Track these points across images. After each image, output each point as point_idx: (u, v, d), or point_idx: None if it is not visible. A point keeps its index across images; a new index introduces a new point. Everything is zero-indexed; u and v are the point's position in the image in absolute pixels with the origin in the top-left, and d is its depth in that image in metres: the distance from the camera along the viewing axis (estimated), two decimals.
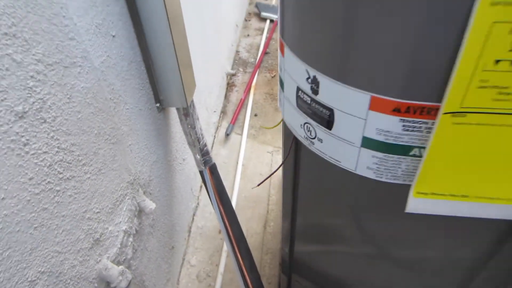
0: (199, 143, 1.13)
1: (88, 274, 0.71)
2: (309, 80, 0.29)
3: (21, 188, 0.53)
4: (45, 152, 0.57)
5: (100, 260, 0.75)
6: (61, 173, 0.62)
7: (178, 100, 1.02)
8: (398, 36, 0.25)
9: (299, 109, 0.34)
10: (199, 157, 1.14)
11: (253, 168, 1.67)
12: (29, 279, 0.56)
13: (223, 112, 1.96)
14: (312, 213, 0.69)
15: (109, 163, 0.77)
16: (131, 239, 0.87)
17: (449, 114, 0.26)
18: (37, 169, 0.56)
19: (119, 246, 0.81)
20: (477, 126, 0.26)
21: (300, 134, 0.35)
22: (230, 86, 2.11)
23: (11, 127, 0.50)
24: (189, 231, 1.44)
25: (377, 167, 0.32)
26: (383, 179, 0.33)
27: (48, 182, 0.59)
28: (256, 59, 2.31)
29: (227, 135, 1.80)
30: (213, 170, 1.17)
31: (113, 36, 0.76)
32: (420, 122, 0.28)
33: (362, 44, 0.27)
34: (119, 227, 0.82)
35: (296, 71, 0.31)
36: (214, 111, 1.80)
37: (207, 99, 1.66)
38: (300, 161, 0.47)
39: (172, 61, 0.94)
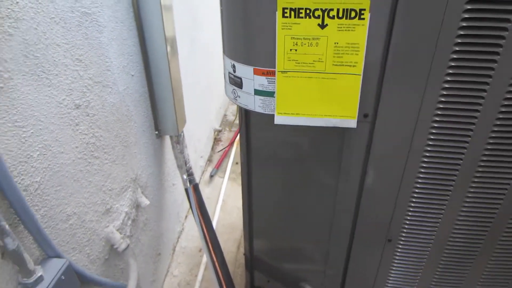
0: (186, 165, 1.45)
1: (99, 232, 1.00)
2: (232, 66, 0.65)
3: (71, 150, 0.86)
4: (85, 134, 0.91)
5: (108, 226, 1.04)
6: (92, 152, 0.94)
7: (172, 129, 1.38)
8: (261, 45, 0.61)
9: (229, 83, 0.69)
10: (185, 176, 1.46)
11: (231, 203, 1.97)
12: (67, 213, 0.86)
13: (209, 160, 2.31)
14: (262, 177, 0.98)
15: (120, 159, 1.10)
16: (129, 222, 1.16)
17: (280, 72, 0.61)
18: (80, 142, 0.89)
19: (121, 221, 1.10)
20: (292, 78, 0.61)
21: (231, 97, 0.70)
22: (216, 140, 2.48)
23: (72, 111, 0.85)
24: (174, 249, 1.69)
25: (263, 105, 0.66)
26: (267, 112, 0.66)
27: (84, 154, 0.91)
28: None
29: (211, 176, 2.12)
30: (196, 188, 1.48)
31: (132, 75, 1.14)
32: (273, 78, 0.63)
33: (249, 49, 0.62)
34: (123, 208, 1.11)
35: (228, 64, 0.67)
36: (201, 157, 2.15)
37: (196, 143, 2.03)
38: (250, 126, 0.80)
39: (169, 100, 1.31)
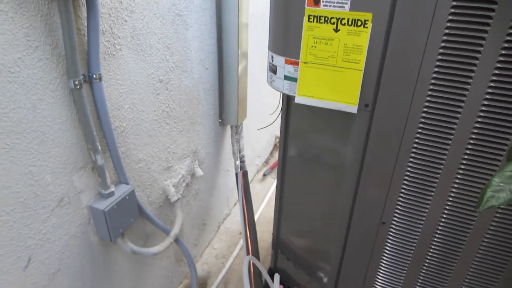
0: (239, 153, 1.70)
1: (159, 182, 1.27)
2: (271, 57, 0.87)
3: (150, 111, 1.14)
4: (162, 103, 1.20)
5: (166, 180, 1.31)
6: (165, 118, 1.23)
7: (233, 120, 1.64)
8: (292, 41, 0.82)
9: (269, 70, 0.90)
10: (238, 162, 1.70)
11: None
12: (138, 157, 1.14)
13: (266, 162, 2.53)
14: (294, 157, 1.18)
15: (186, 131, 1.37)
16: (184, 184, 1.42)
17: (302, 63, 0.80)
18: (157, 108, 1.18)
19: (178, 180, 1.37)
20: (311, 68, 0.80)
21: (268, 81, 0.92)
22: (276, 147, 2.71)
23: (156, 83, 1.14)
24: (218, 228, 1.93)
25: (289, 88, 0.85)
26: (291, 94, 0.86)
27: (159, 118, 1.20)
28: None
29: (264, 175, 2.34)
30: (245, 174, 1.70)
31: (207, 68, 1.43)
32: (297, 67, 0.82)
33: (284, 44, 0.83)
34: (181, 170, 1.38)
35: (269, 56, 0.89)
36: (259, 156, 2.39)
37: (255, 144, 2.27)
38: (290, 109, 1.01)
39: (234, 96, 1.57)
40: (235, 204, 2.10)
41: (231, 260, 1.74)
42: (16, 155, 0.74)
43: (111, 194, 0.99)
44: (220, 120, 1.65)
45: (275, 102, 2.69)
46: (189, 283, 1.63)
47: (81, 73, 0.84)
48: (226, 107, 1.62)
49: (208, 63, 1.43)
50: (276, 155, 2.63)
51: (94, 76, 0.87)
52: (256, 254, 1.55)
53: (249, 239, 1.57)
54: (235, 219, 2.01)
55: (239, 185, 1.68)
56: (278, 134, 2.69)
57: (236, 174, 1.70)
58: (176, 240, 1.33)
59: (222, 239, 1.87)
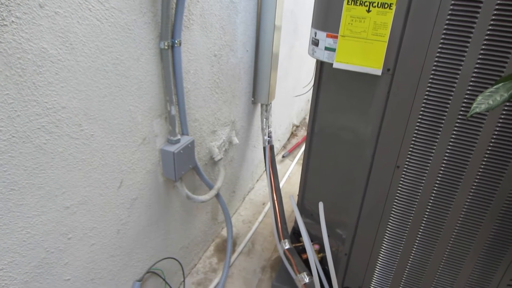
0: (267, 129, 1.93)
1: (206, 142, 1.50)
2: (314, 33, 1.10)
3: (205, 79, 1.38)
4: (214, 74, 1.43)
5: (212, 142, 1.54)
6: (215, 88, 1.46)
7: (263, 99, 1.87)
8: (332, 19, 1.05)
9: (311, 44, 1.13)
10: (266, 137, 1.92)
11: (295, 179, 2.38)
12: (195, 117, 1.37)
13: (284, 146, 2.76)
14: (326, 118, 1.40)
15: (228, 103, 1.60)
16: (223, 149, 1.65)
17: (341, 36, 1.03)
18: (211, 77, 1.41)
19: (219, 144, 1.60)
20: (348, 40, 1.02)
21: (310, 53, 1.15)
22: (293, 135, 2.93)
23: (211, 57, 1.38)
24: (244, 199, 2.15)
25: (328, 57, 1.08)
26: (330, 61, 1.09)
27: (211, 86, 1.43)
28: None
29: (283, 157, 2.56)
30: (272, 148, 1.93)
31: (247, 51, 1.66)
32: (336, 40, 1.05)
33: (326, 21, 1.06)
34: (222, 136, 1.61)
35: (312, 32, 1.12)
36: (279, 140, 2.62)
37: (277, 128, 2.50)
38: (322, 78, 1.24)
39: (267, 77, 1.81)
40: (257, 180, 2.32)
41: (256, 225, 1.96)
42: (124, 94, 0.98)
43: (178, 141, 1.22)
44: (252, 99, 1.88)
45: (298, 87, 2.93)
46: (220, 241, 1.85)
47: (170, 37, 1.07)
48: (258, 87, 1.85)
49: (248, 46, 1.67)
50: (293, 141, 2.86)
51: (176, 41, 1.10)
52: (282, 214, 1.77)
53: (276, 201, 1.79)
54: (258, 192, 2.23)
55: (267, 157, 1.90)
56: (295, 122, 2.92)
57: (264, 148, 1.93)
58: (217, 195, 1.56)
59: (247, 207, 2.09)
